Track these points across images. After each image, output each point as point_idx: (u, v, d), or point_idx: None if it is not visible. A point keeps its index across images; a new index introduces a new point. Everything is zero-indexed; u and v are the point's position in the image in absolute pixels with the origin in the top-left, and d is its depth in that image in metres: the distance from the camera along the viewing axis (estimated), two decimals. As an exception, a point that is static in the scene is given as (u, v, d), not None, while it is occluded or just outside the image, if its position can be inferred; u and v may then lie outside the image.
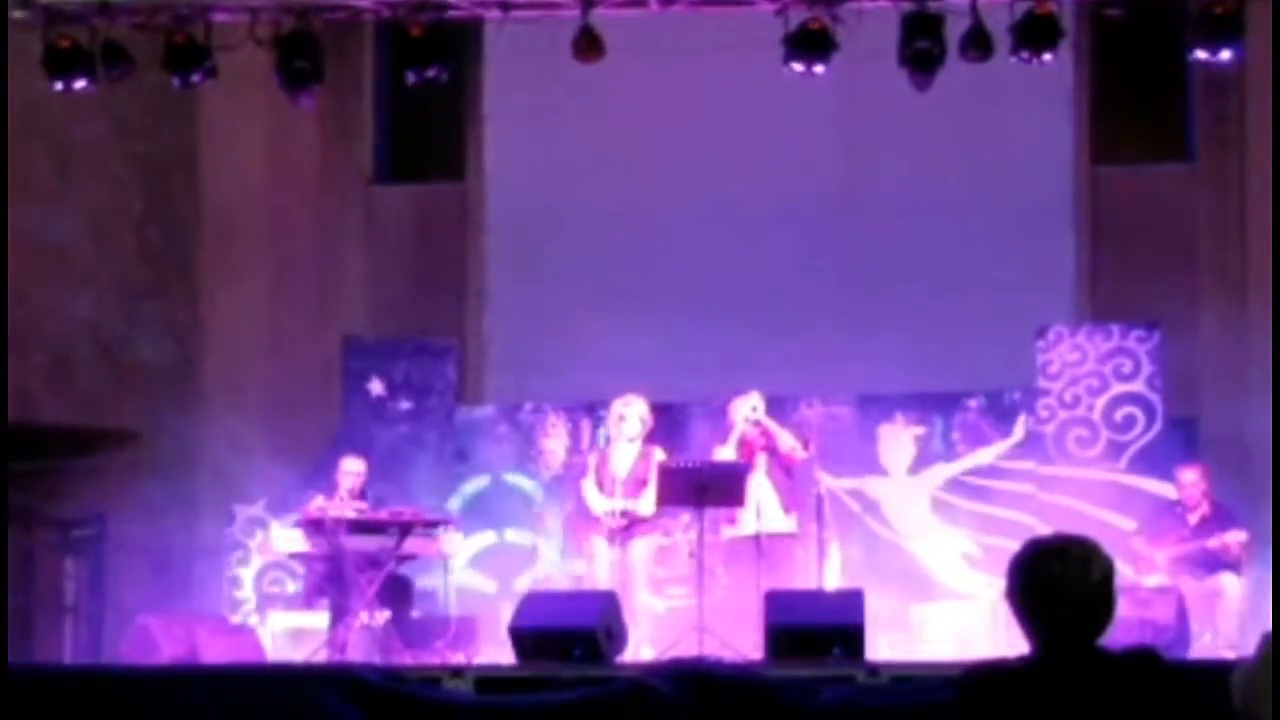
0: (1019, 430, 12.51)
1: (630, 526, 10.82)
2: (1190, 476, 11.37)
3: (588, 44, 10.94)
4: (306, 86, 11.29)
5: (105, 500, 12.85)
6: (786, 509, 10.91)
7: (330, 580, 10.91)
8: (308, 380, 13.50)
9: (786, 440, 10.99)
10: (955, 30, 10.79)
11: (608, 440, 11.18)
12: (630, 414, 10.96)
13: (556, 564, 12.22)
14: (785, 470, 10.97)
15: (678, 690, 8.67)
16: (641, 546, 10.88)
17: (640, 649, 10.22)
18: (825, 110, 12.94)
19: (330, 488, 11.31)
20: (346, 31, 13.10)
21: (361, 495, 11.23)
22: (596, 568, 10.81)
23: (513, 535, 12.69)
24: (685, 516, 10.98)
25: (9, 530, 11.04)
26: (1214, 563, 11.07)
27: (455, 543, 11.47)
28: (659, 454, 10.92)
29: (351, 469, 11.32)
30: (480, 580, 12.55)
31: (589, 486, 10.96)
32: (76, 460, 12.72)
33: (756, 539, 10.76)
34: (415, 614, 11.32)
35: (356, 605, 10.73)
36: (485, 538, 12.69)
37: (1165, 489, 11.77)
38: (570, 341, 13.12)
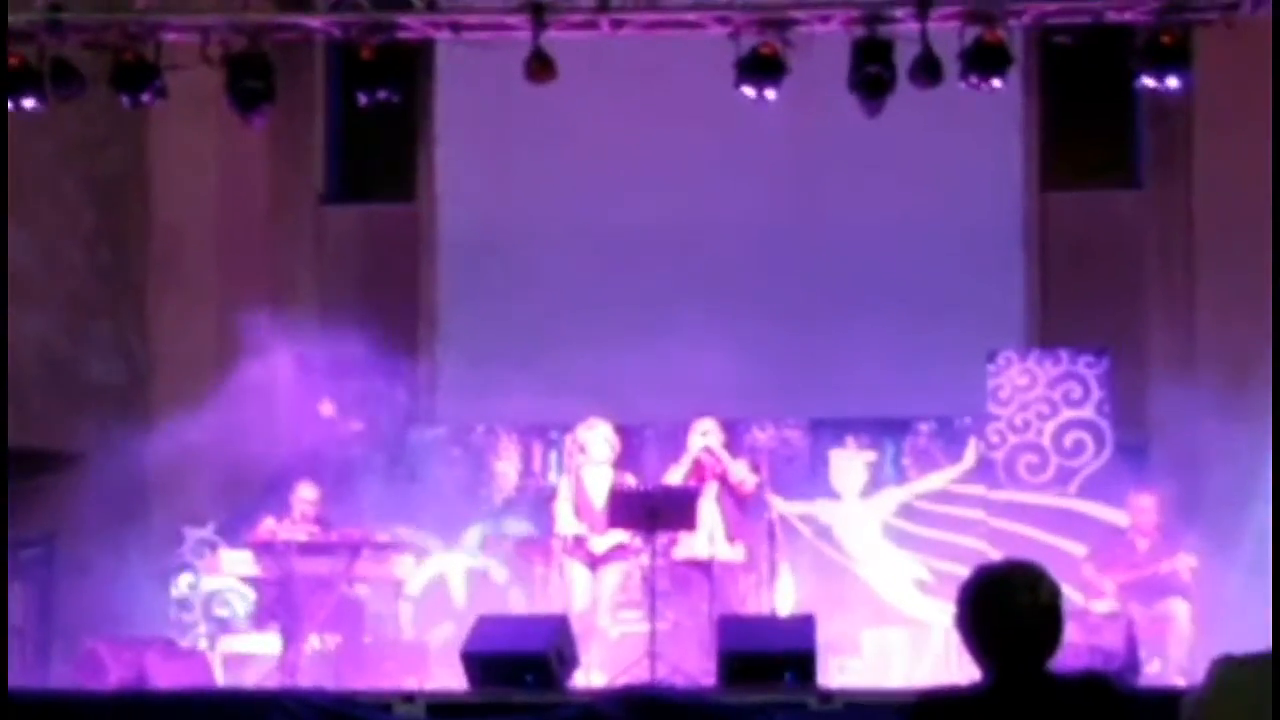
0: (970, 455, 12.55)
1: (608, 554, 10.83)
2: (1145, 502, 11.44)
3: (540, 66, 10.94)
4: (257, 106, 11.25)
5: (53, 522, 12.76)
6: (732, 538, 10.93)
7: (281, 603, 10.86)
8: (258, 401, 13.43)
9: (738, 471, 11.02)
10: (905, 56, 10.84)
11: (576, 467, 11.11)
12: (595, 438, 10.97)
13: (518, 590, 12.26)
14: (735, 499, 10.98)
15: (629, 716, 8.66)
16: (613, 573, 10.89)
17: (592, 674, 10.21)
18: (776, 134, 12.95)
19: (280, 510, 11.26)
20: (298, 52, 13.06)
21: (316, 521, 11.19)
22: (574, 592, 10.77)
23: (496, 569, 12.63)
24: (638, 540, 10.98)
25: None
26: (1164, 589, 11.11)
27: (406, 566, 11.44)
28: (631, 481, 10.94)
29: (306, 495, 11.29)
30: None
31: (564, 510, 10.94)
32: (24, 481, 12.61)
33: (708, 564, 10.77)
34: (367, 638, 11.27)
35: (307, 629, 10.68)
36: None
37: (1115, 515, 11.83)
38: (522, 363, 13.08)
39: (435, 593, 12.48)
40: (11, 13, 11.06)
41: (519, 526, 12.52)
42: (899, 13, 10.84)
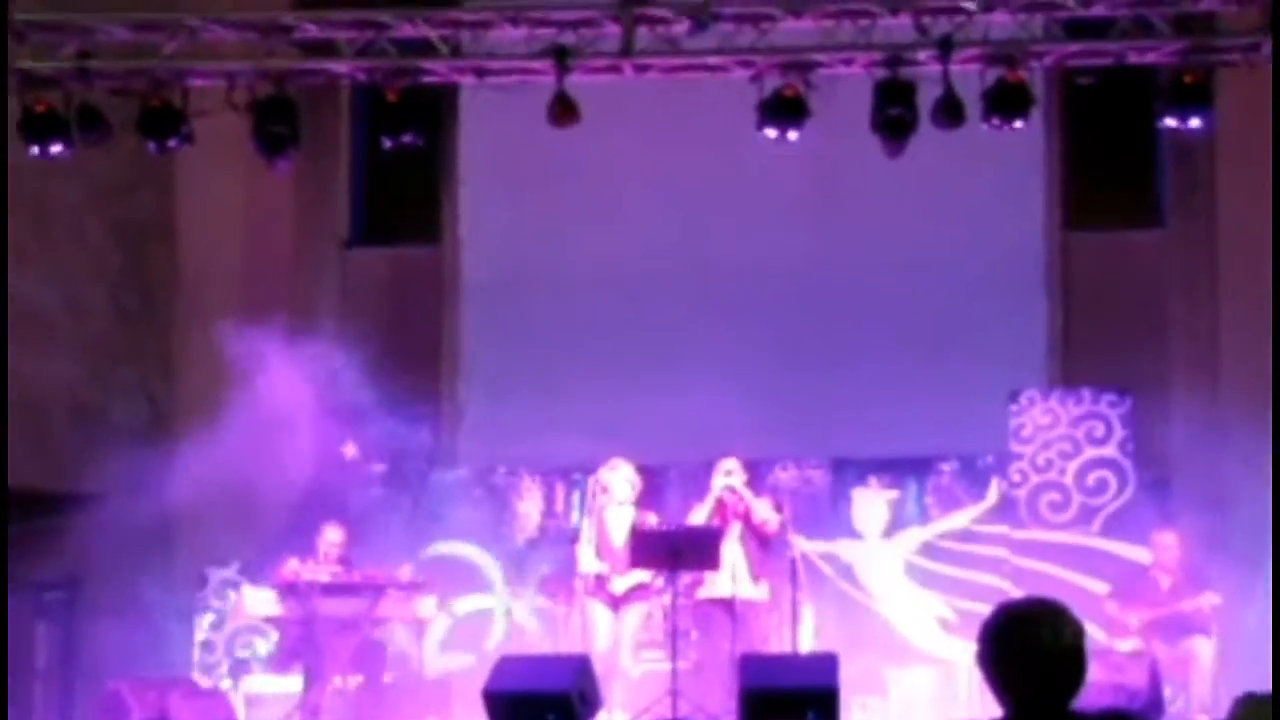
0: (992, 494, 12.54)
1: (628, 594, 10.83)
2: (1168, 540, 11.43)
3: (563, 109, 10.99)
4: (283, 151, 11.32)
5: (77, 564, 12.78)
6: (756, 578, 10.92)
7: (304, 644, 10.87)
8: (281, 442, 13.47)
9: (761, 511, 11.01)
10: (927, 98, 10.86)
11: (599, 507, 11.13)
12: (617, 479, 10.98)
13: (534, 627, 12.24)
14: (758, 539, 10.98)
15: (652, 754, 8.66)
16: (634, 613, 10.89)
17: (614, 713, 10.20)
18: (799, 176, 13.00)
19: (304, 550, 11.29)
20: (323, 96, 13.16)
21: (340, 562, 11.22)
22: (595, 632, 10.77)
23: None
24: (659, 580, 10.99)
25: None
26: (1187, 627, 11.09)
27: (429, 607, 11.44)
28: (653, 520, 10.94)
29: (333, 538, 11.31)
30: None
31: (586, 552, 10.94)
32: (48, 523, 12.66)
33: (730, 603, 10.76)
34: (389, 678, 11.28)
35: (330, 669, 10.68)
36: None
37: (1138, 553, 11.81)
38: (545, 405, 13.12)
39: (471, 623, 12.49)
40: (39, 59, 11.15)
41: (541, 568, 12.52)
42: (921, 55, 10.87)
